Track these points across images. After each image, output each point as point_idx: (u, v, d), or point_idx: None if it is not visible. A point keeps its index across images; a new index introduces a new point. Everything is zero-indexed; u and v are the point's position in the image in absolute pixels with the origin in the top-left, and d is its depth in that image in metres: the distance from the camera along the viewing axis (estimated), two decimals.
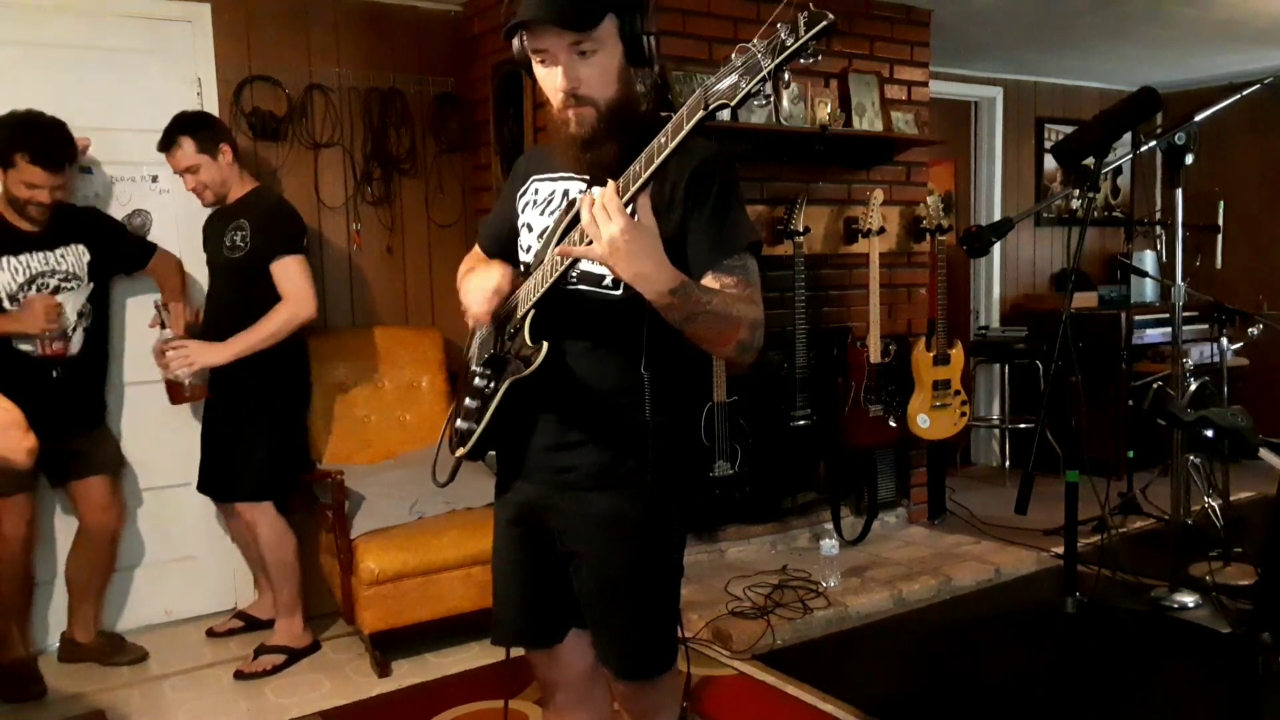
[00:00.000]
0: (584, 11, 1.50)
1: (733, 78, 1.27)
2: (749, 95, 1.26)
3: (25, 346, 3.12)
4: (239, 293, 3.22)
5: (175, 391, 3.26)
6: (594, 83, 1.54)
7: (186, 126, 3.22)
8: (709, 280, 1.55)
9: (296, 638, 3.32)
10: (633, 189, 1.38)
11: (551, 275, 1.56)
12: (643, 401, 1.61)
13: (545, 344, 1.58)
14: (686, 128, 1.32)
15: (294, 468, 3.43)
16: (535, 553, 1.76)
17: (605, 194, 1.37)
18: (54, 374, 3.14)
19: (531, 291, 1.61)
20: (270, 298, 3.19)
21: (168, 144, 3.20)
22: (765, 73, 1.23)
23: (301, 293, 3.19)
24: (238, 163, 3.29)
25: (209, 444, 3.38)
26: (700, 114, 1.30)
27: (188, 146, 3.18)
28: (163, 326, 3.27)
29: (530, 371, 1.59)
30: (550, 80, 1.57)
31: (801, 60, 1.22)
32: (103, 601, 3.43)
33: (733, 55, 1.28)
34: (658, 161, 1.36)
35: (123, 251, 3.36)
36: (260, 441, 3.25)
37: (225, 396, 3.29)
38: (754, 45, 1.25)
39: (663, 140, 1.35)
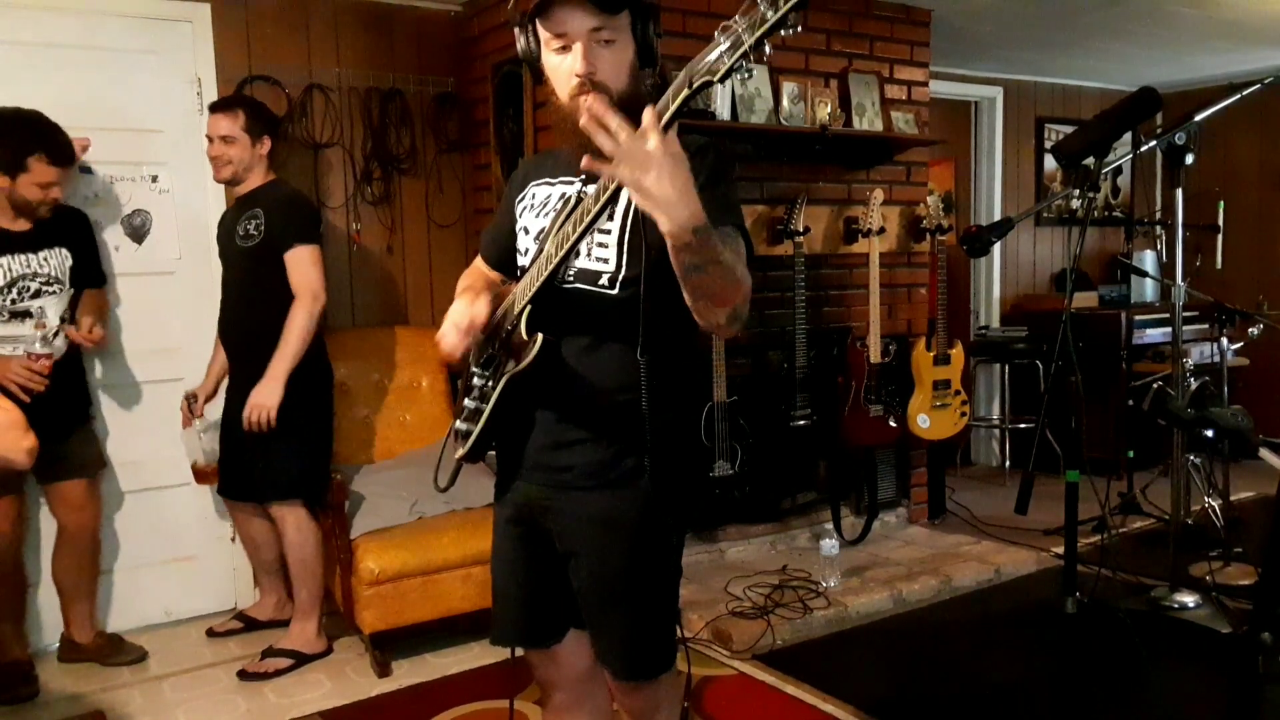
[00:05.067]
0: None
1: (715, 54, 1.27)
2: (731, 70, 1.26)
3: (5, 350, 3.07)
4: (252, 282, 3.22)
5: (201, 474, 3.51)
6: (610, 72, 1.55)
7: (249, 103, 3.31)
8: None
9: (309, 642, 3.30)
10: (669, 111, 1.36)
11: (549, 266, 1.55)
12: (637, 401, 1.60)
13: (540, 335, 1.58)
14: (672, 107, 1.31)
15: (324, 466, 3.39)
16: (534, 552, 1.76)
17: (646, 119, 1.27)
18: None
19: (528, 286, 1.61)
20: (284, 286, 3.18)
21: (225, 106, 3.24)
22: (746, 47, 1.23)
23: (311, 286, 3.19)
24: (267, 160, 3.30)
25: (234, 446, 3.35)
26: (685, 92, 1.30)
27: (240, 118, 3.21)
28: (191, 410, 3.48)
29: (525, 365, 1.59)
30: (565, 67, 1.57)
31: (782, 33, 1.22)
32: (95, 601, 3.41)
33: (716, 33, 1.28)
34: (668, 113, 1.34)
35: (89, 267, 3.31)
36: (290, 440, 3.21)
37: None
38: (735, 21, 1.25)
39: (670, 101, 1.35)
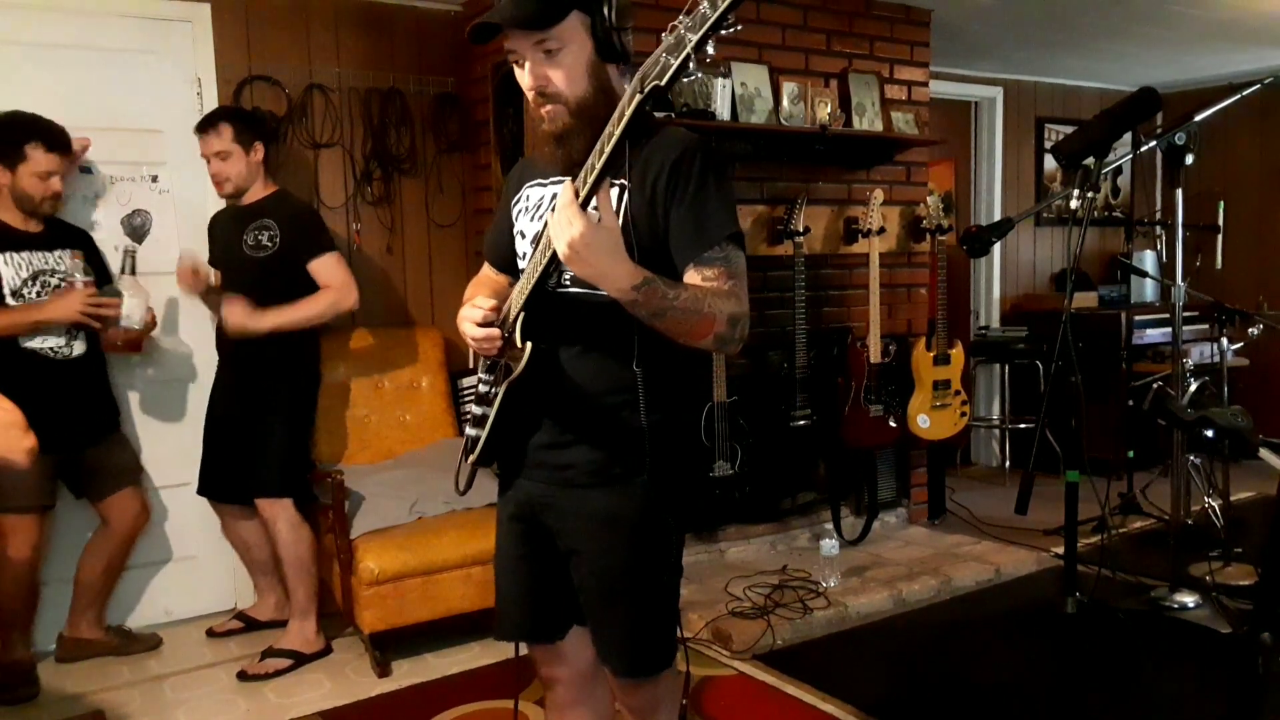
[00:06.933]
0: (543, 10, 1.51)
1: (661, 57, 1.28)
2: (678, 71, 1.27)
3: (50, 343, 3.09)
4: (263, 290, 3.22)
5: (110, 341, 3.17)
6: (561, 80, 1.56)
7: (230, 114, 3.29)
8: (690, 273, 1.55)
9: (308, 642, 3.30)
10: (590, 181, 1.39)
11: (533, 277, 1.57)
12: (636, 401, 1.61)
13: (529, 344, 1.58)
14: (628, 113, 1.33)
15: (306, 464, 3.43)
16: (536, 549, 1.77)
17: (562, 198, 1.39)
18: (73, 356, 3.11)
19: (520, 292, 1.62)
20: (298, 294, 3.22)
21: (207, 125, 3.24)
22: (689, 48, 1.24)
23: (346, 283, 3.27)
24: (264, 166, 3.31)
25: (221, 444, 3.37)
26: (638, 97, 1.31)
27: (225, 132, 3.21)
28: (125, 271, 3.22)
29: (519, 373, 1.59)
30: (523, 79, 1.59)
31: (723, 31, 1.23)
32: (109, 599, 3.44)
33: (663, 33, 1.29)
34: (608, 151, 1.37)
35: (101, 278, 3.30)
36: (280, 436, 3.26)
37: (242, 392, 3.30)
38: (680, 21, 1.27)
39: (611, 130, 1.37)
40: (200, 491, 3.46)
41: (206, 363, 3.55)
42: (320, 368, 3.50)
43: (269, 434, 3.25)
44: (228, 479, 3.36)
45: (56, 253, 3.17)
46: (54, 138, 3.08)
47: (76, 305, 3.03)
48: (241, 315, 3.16)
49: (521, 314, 1.61)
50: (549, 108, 1.57)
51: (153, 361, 3.61)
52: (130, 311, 3.15)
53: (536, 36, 1.53)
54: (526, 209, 1.76)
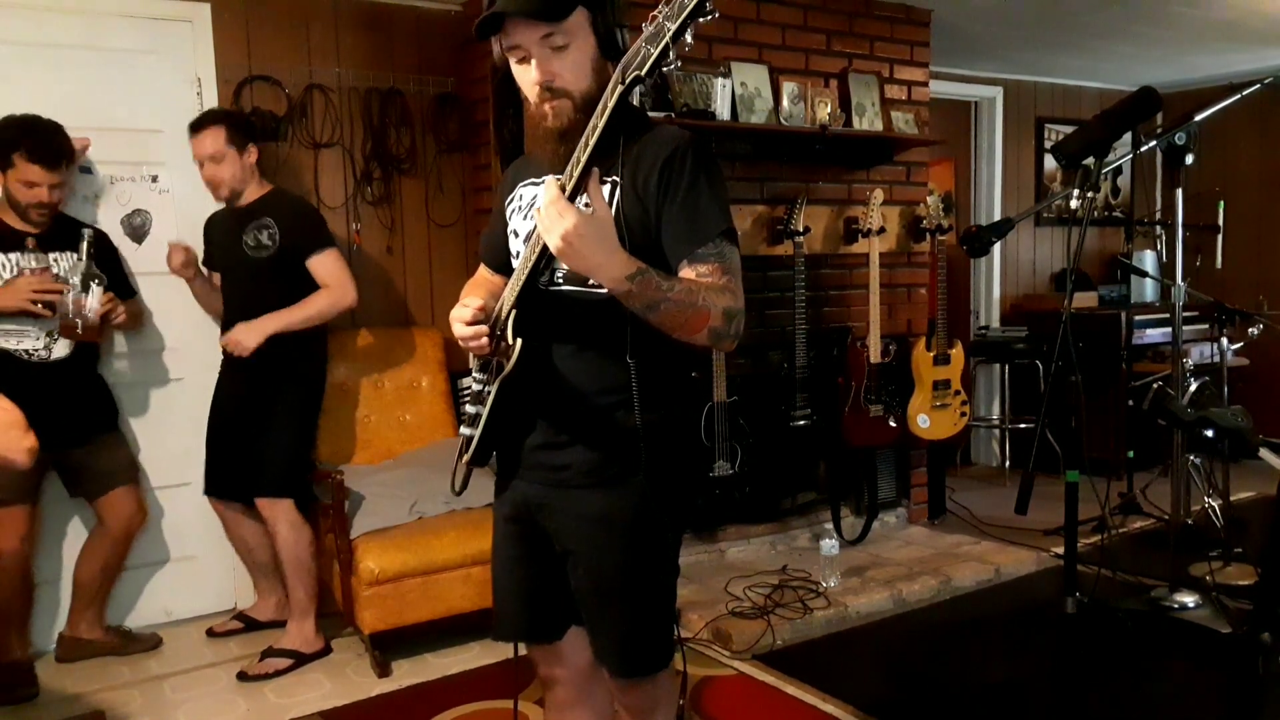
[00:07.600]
0: (553, 2, 1.51)
1: (642, 47, 1.30)
2: (658, 60, 1.28)
3: (25, 344, 3.09)
4: (266, 290, 3.23)
5: (68, 328, 3.07)
6: (568, 75, 1.55)
7: (222, 116, 3.27)
8: (685, 270, 1.55)
9: (307, 642, 3.30)
10: (575, 175, 1.40)
11: (523, 274, 1.57)
12: (630, 400, 1.60)
13: (519, 340, 1.58)
14: (610, 104, 1.35)
15: (308, 464, 3.44)
16: (533, 549, 1.77)
17: (548, 193, 1.39)
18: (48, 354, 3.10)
19: (511, 290, 1.61)
20: (300, 293, 3.22)
21: (199, 126, 3.21)
22: (667, 37, 1.26)
23: (344, 282, 3.28)
24: (258, 168, 3.31)
25: (224, 443, 3.37)
26: (620, 88, 1.33)
27: (218, 135, 3.18)
28: (81, 259, 3.14)
29: (509, 371, 1.59)
30: (526, 76, 1.58)
31: (703, 19, 1.25)
32: (108, 598, 3.44)
33: (644, 24, 1.30)
34: (592, 142, 1.38)
35: (115, 283, 3.29)
36: (284, 437, 3.27)
37: (249, 392, 3.30)
38: (660, 11, 1.28)
39: (595, 122, 1.38)
40: (206, 492, 3.46)
41: (206, 363, 3.54)
42: (326, 369, 3.50)
43: (273, 434, 3.25)
44: (232, 479, 3.36)
45: (52, 254, 3.16)
46: (39, 149, 3.01)
47: (24, 292, 3.01)
48: (242, 335, 3.17)
49: (513, 311, 1.61)
50: (554, 103, 1.56)
51: (152, 361, 3.61)
52: (83, 299, 3.08)
53: (545, 30, 1.52)
54: (520, 208, 1.75)
